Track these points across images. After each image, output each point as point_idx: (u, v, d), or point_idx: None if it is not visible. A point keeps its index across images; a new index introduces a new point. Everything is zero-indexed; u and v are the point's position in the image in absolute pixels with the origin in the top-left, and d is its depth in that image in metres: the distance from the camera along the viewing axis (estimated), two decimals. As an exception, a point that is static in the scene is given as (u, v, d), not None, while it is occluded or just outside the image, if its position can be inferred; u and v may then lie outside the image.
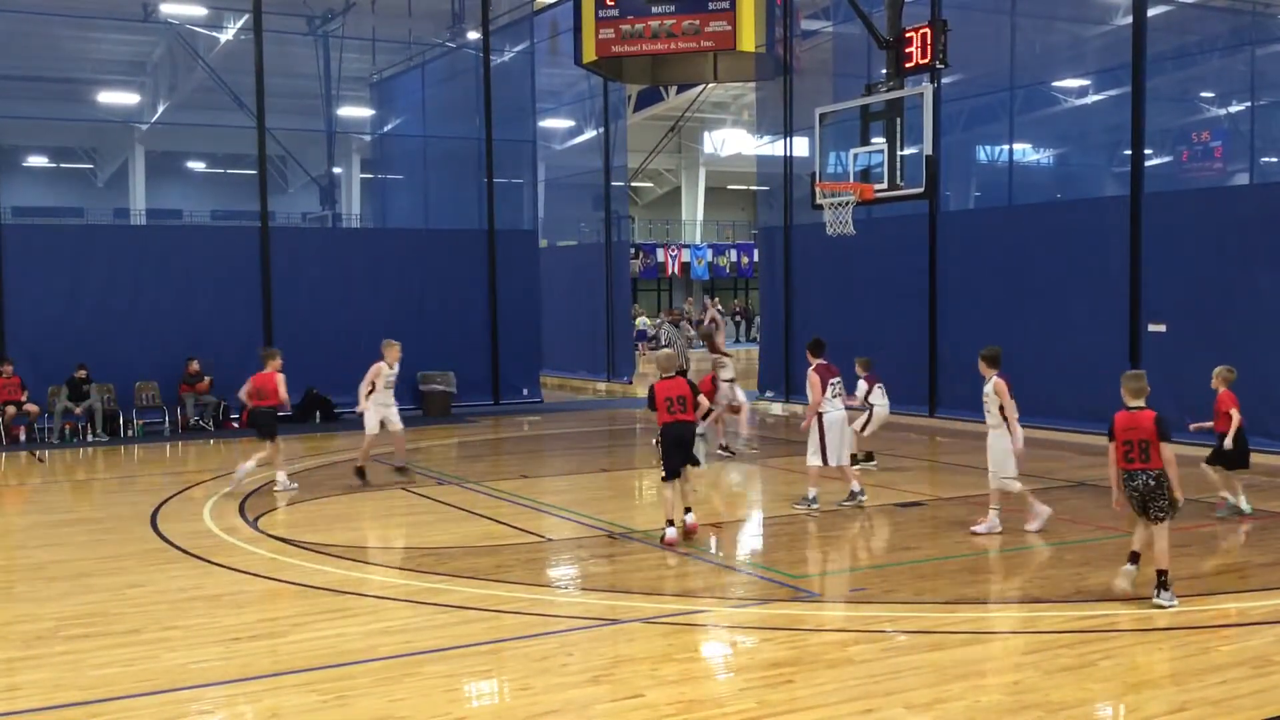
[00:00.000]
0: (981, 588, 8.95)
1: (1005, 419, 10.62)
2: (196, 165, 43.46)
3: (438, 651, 7.34)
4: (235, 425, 20.00)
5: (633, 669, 6.95)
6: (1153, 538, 8.19)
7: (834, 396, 11.80)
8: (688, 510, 10.74)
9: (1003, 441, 10.69)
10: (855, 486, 12.07)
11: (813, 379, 11.74)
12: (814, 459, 11.81)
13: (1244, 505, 11.35)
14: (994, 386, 10.59)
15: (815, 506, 11.86)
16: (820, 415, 11.70)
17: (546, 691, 6.59)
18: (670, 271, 49.46)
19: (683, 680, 6.80)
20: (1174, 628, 7.74)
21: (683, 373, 18.47)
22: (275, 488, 13.46)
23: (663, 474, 10.62)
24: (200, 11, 24.14)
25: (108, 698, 6.57)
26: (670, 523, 10.48)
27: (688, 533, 10.61)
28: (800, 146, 21.42)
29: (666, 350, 11.38)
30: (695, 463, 10.86)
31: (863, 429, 14.31)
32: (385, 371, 14.05)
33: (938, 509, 12.22)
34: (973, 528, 10.83)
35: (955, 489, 13.26)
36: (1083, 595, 8.55)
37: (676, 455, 10.51)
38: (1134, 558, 8.35)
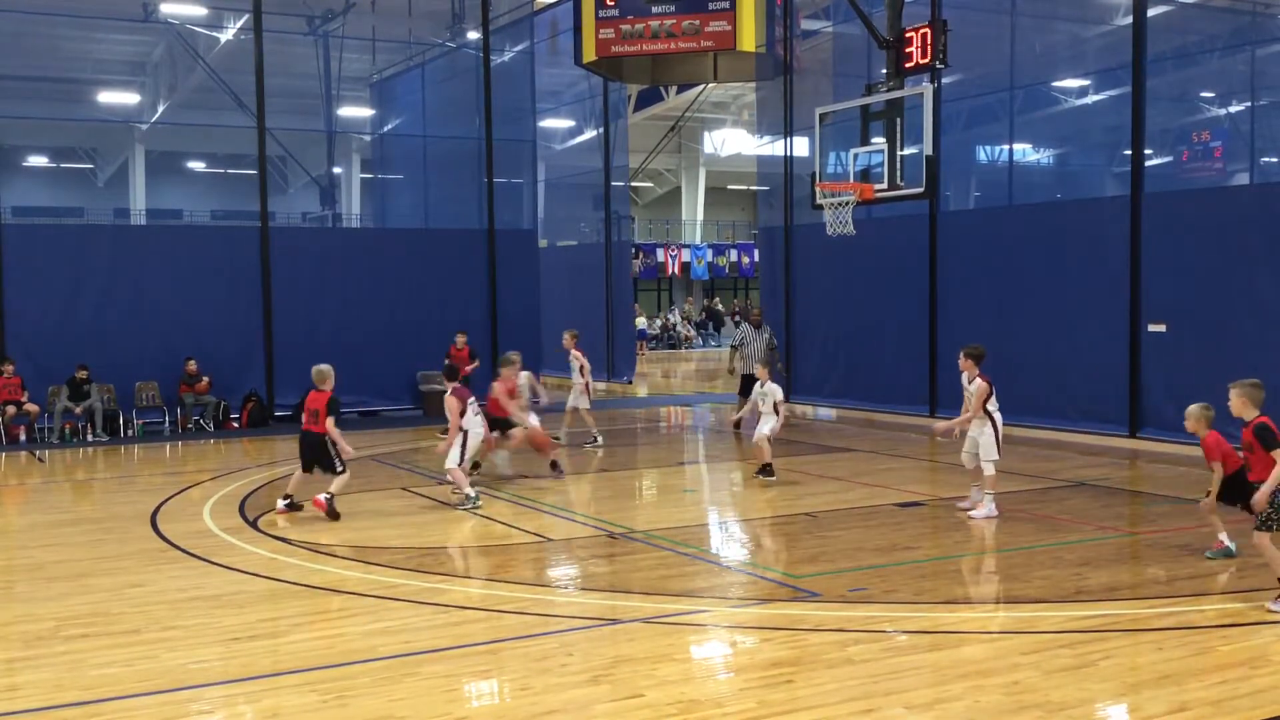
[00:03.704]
0: (981, 588, 8.94)
1: (986, 412, 11.30)
2: (196, 165, 43.51)
3: (438, 651, 7.35)
4: (235, 425, 20.02)
5: (633, 669, 6.95)
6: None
7: (475, 415, 12.62)
8: (289, 499, 12.00)
9: (987, 429, 11.33)
10: (470, 491, 12.46)
11: (451, 403, 12.46)
12: (452, 461, 12.43)
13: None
14: (977, 389, 11.26)
15: (479, 504, 12.26)
16: (465, 433, 12.41)
17: (546, 691, 6.60)
18: (670, 271, 49.48)
19: (683, 680, 6.80)
20: (1174, 628, 7.75)
21: (753, 379, 18.61)
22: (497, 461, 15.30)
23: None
24: (200, 11, 24.14)
25: (108, 698, 6.57)
26: (288, 498, 11.97)
27: (291, 508, 11.91)
28: (800, 146, 21.40)
29: (321, 366, 12.05)
30: (332, 469, 11.88)
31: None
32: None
33: (938, 509, 12.23)
34: (969, 511, 11.37)
35: (955, 489, 13.24)
36: (1083, 595, 8.55)
37: (308, 456, 11.97)
38: None
